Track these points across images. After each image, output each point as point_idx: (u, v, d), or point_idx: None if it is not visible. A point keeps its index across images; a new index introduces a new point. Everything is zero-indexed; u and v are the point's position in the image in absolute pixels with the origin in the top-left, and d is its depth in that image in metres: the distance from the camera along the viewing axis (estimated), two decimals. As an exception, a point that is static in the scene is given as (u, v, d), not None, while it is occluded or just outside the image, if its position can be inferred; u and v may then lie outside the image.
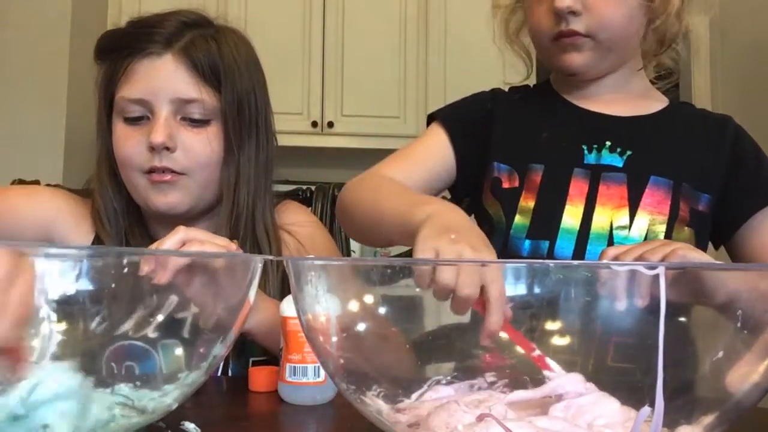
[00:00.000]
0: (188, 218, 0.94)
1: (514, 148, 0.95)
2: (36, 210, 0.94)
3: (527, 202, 0.91)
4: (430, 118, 1.02)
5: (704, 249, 0.93)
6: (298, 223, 1.00)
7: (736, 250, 0.94)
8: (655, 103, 0.97)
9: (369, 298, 0.52)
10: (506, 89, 1.04)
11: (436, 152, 0.97)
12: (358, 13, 2.75)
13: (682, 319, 0.47)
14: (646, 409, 0.41)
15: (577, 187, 0.90)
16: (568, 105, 0.97)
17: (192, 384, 0.53)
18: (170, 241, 0.67)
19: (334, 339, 0.52)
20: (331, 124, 2.69)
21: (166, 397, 0.52)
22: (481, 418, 0.44)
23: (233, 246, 0.70)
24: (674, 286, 0.45)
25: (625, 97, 0.96)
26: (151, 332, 0.53)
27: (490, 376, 0.51)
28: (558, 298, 0.46)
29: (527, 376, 0.51)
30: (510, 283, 0.47)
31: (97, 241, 0.94)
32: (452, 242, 0.60)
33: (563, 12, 0.86)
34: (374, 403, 0.50)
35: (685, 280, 0.46)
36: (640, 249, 0.66)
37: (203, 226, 0.95)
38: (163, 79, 0.89)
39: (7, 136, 2.32)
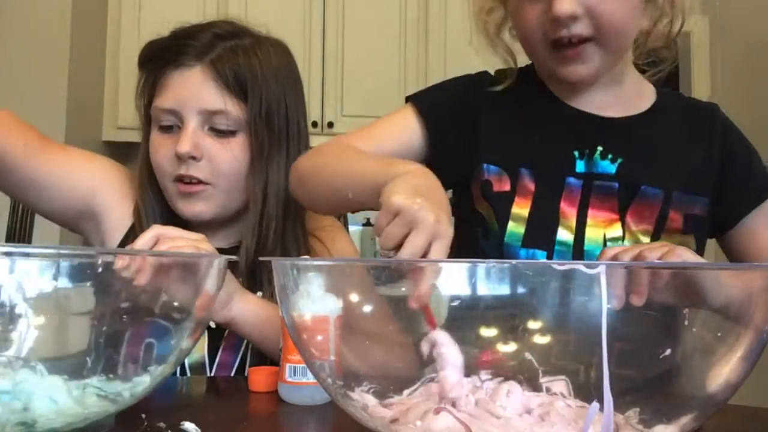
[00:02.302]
0: (215, 225, 0.97)
1: (504, 148, 0.91)
2: (88, 172, 0.97)
3: (520, 209, 0.88)
4: (406, 101, 0.97)
5: (702, 250, 0.93)
6: (322, 227, 1.03)
7: (728, 247, 0.94)
8: (645, 97, 0.94)
9: (364, 299, 0.52)
10: (493, 72, 0.98)
11: (403, 134, 0.93)
12: (358, 13, 2.75)
13: (665, 319, 0.47)
14: (596, 405, 0.41)
15: (570, 199, 0.88)
16: (557, 103, 0.92)
17: (158, 377, 0.56)
18: (143, 240, 0.71)
19: (319, 338, 0.53)
20: (331, 124, 2.69)
21: (135, 389, 0.55)
22: (437, 411, 0.45)
23: (205, 245, 0.74)
24: (670, 288, 0.45)
25: (617, 91, 0.92)
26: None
27: (484, 374, 0.52)
28: (533, 297, 0.46)
29: (522, 374, 0.51)
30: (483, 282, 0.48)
31: (133, 233, 0.96)
32: (419, 207, 0.59)
33: (564, 19, 0.80)
34: (362, 398, 0.50)
35: (680, 282, 0.47)
36: (638, 249, 0.66)
37: (230, 233, 0.99)
38: (191, 90, 0.92)
39: (7, 136, 2.32)
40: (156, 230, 0.72)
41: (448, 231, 0.60)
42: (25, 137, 0.92)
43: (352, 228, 1.40)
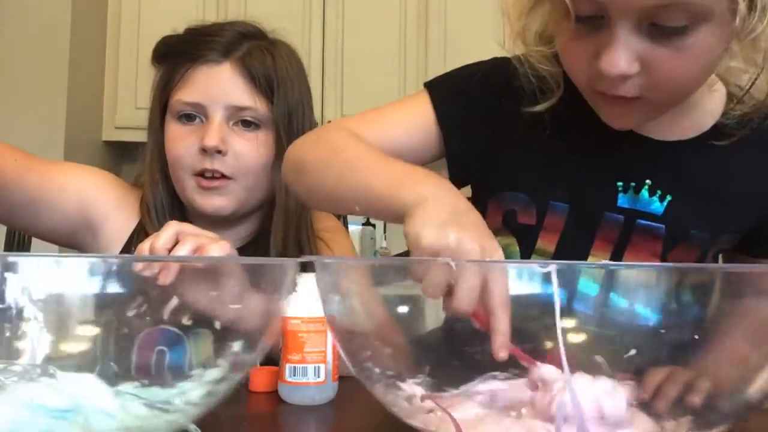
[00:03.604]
0: (232, 221, 0.97)
1: (534, 174, 0.80)
2: (82, 184, 0.96)
3: (546, 246, 0.79)
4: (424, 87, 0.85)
5: None
6: (327, 229, 1.04)
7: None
8: (711, 110, 0.78)
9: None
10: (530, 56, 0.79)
11: (416, 131, 0.82)
12: (358, 13, 2.75)
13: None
14: (565, 401, 0.42)
15: (606, 236, 0.78)
16: (601, 121, 0.74)
17: (212, 382, 0.52)
18: (164, 236, 0.68)
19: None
20: (331, 124, 2.69)
21: (186, 395, 0.51)
22: (423, 398, 0.47)
23: (226, 244, 0.71)
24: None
25: (676, 109, 0.75)
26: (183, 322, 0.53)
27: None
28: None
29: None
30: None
31: (141, 229, 0.96)
32: (456, 243, 0.51)
33: (613, 79, 0.64)
34: (410, 389, 0.50)
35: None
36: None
37: (245, 229, 1.00)
38: (220, 85, 0.93)
39: (7, 136, 2.32)
40: (175, 227, 0.70)
41: (499, 257, 0.53)
42: (14, 155, 0.91)
43: (351, 227, 1.41)
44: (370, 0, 2.75)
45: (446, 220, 0.53)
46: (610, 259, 0.77)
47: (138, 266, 0.51)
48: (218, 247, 0.69)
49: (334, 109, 2.72)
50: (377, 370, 0.51)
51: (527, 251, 0.80)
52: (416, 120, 0.82)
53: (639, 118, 0.72)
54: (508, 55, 0.79)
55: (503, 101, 0.81)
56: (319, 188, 0.76)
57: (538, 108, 0.78)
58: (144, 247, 0.69)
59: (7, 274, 0.47)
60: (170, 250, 0.68)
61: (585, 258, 0.78)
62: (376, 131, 0.79)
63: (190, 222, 0.98)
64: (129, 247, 0.96)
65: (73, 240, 0.99)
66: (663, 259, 0.77)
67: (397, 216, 0.58)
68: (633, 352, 0.47)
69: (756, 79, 0.70)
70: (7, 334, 0.48)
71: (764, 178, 0.80)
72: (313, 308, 0.66)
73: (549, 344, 0.49)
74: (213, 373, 0.52)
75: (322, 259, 0.53)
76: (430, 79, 0.87)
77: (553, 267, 0.42)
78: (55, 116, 2.38)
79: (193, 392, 0.51)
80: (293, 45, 1.04)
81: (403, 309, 0.52)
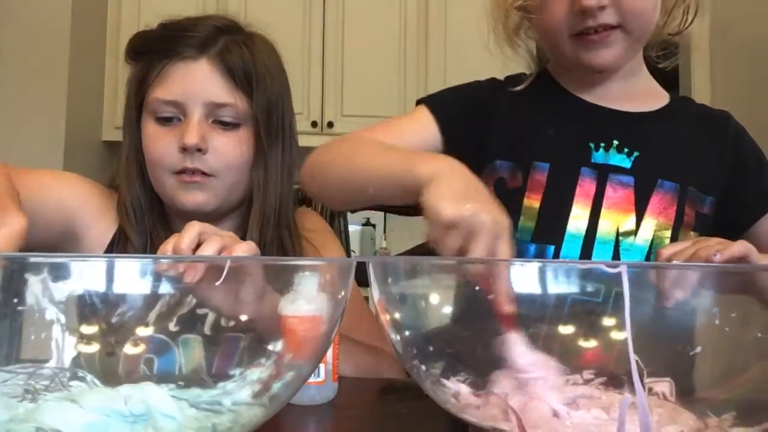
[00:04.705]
0: (212, 218, 0.95)
1: (517, 145, 0.91)
2: (63, 193, 0.94)
3: (531, 203, 0.87)
4: (417, 104, 0.97)
5: None
6: (315, 230, 1.02)
7: None
8: (658, 96, 0.95)
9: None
10: (503, 78, 0.99)
11: (420, 131, 0.92)
12: (358, 13, 2.75)
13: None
14: (628, 397, 0.41)
15: (584, 189, 0.87)
16: (573, 99, 0.93)
17: (257, 382, 0.50)
18: (188, 236, 0.66)
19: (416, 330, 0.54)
20: (331, 124, 2.69)
21: (233, 396, 0.50)
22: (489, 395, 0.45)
23: (252, 244, 0.69)
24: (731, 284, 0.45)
25: (631, 86, 0.92)
26: (173, 326, 0.51)
27: (587, 374, 0.50)
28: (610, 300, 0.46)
29: (626, 375, 0.48)
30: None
31: (121, 234, 0.94)
32: (471, 213, 0.58)
33: (593, 9, 0.80)
34: (455, 386, 0.50)
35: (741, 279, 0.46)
36: (693, 248, 0.66)
37: (226, 226, 0.96)
38: (198, 82, 0.91)
39: (7, 136, 2.32)
40: (198, 227, 0.68)
41: (507, 226, 0.59)
42: None
43: (352, 228, 1.41)
44: (370, 0, 2.76)
45: (462, 194, 0.60)
46: (591, 212, 0.87)
47: (162, 266, 0.49)
48: (245, 247, 0.67)
49: (334, 109, 2.72)
50: (423, 367, 0.52)
51: (514, 211, 0.86)
52: (420, 126, 0.92)
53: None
54: (492, 52, 0.96)
55: (486, 94, 0.95)
56: (334, 183, 0.84)
57: (519, 87, 0.94)
58: (167, 248, 0.67)
59: (27, 275, 0.45)
60: (195, 250, 0.66)
61: (568, 211, 0.87)
62: (387, 137, 0.87)
63: (169, 221, 0.97)
64: (110, 252, 0.94)
65: (57, 250, 0.96)
66: (639, 211, 0.87)
67: (411, 190, 0.64)
68: (699, 349, 0.47)
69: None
70: (32, 336, 0.47)
71: (713, 144, 0.92)
72: (312, 308, 0.66)
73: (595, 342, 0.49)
74: (256, 373, 0.51)
75: (384, 259, 0.53)
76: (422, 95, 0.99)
77: (623, 267, 0.41)
78: (55, 116, 2.38)
79: (240, 393, 0.50)
80: (283, 39, 1.01)
81: (450, 308, 0.53)
